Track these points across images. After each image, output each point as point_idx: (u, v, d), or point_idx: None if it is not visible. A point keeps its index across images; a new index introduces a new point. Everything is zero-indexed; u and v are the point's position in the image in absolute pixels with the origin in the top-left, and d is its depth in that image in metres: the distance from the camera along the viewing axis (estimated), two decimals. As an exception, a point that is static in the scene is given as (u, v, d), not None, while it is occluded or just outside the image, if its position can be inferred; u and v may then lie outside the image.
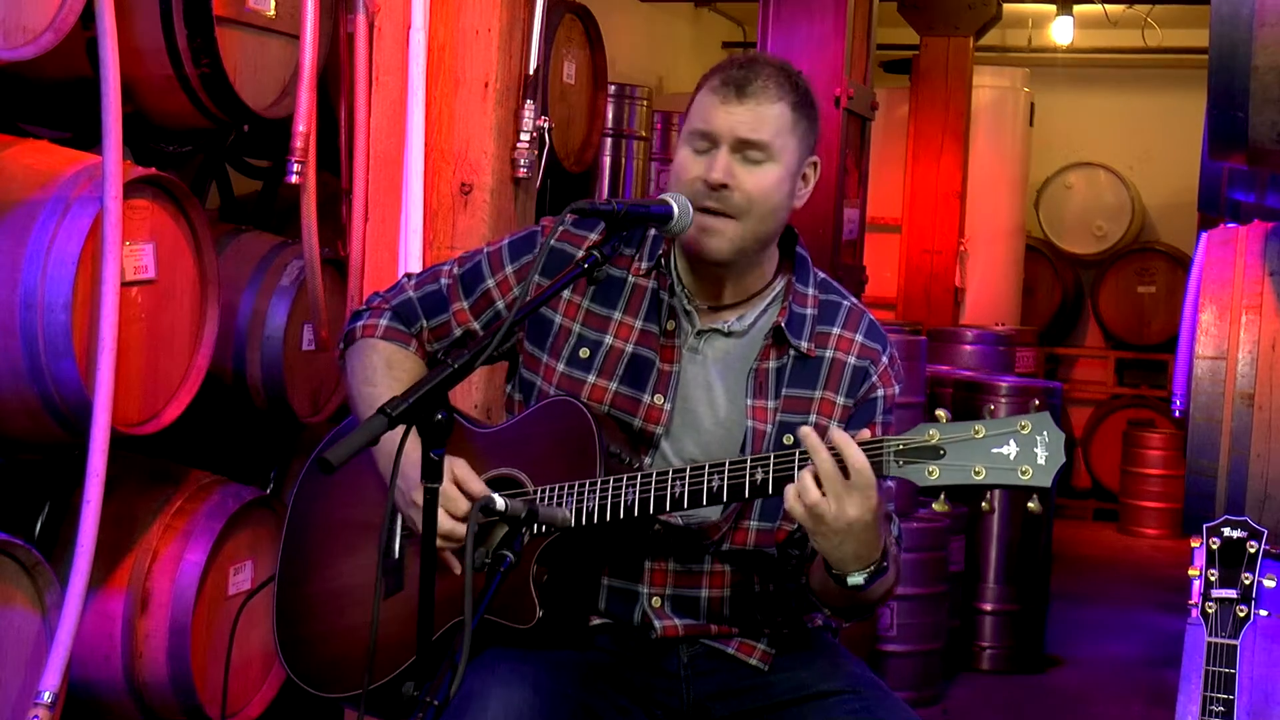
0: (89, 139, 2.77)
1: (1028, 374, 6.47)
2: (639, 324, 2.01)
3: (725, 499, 1.82)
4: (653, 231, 2.03)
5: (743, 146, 1.91)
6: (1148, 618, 5.68)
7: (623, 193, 4.63)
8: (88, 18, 2.45)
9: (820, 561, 1.83)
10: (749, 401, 1.97)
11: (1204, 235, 3.04)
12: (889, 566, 1.81)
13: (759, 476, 1.78)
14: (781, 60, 2.00)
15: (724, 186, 1.90)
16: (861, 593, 1.79)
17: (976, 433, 1.69)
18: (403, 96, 2.75)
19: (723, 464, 1.81)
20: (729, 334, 2.00)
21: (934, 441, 1.70)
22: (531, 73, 2.82)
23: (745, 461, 1.80)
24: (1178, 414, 3.00)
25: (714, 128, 1.92)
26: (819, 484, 1.70)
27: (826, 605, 1.93)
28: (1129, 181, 8.38)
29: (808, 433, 1.73)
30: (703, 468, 1.82)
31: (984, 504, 1.78)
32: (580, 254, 2.02)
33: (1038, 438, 1.67)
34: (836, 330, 2.02)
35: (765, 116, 1.91)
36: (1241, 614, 2.11)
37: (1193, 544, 2.17)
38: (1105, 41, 8.12)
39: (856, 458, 1.70)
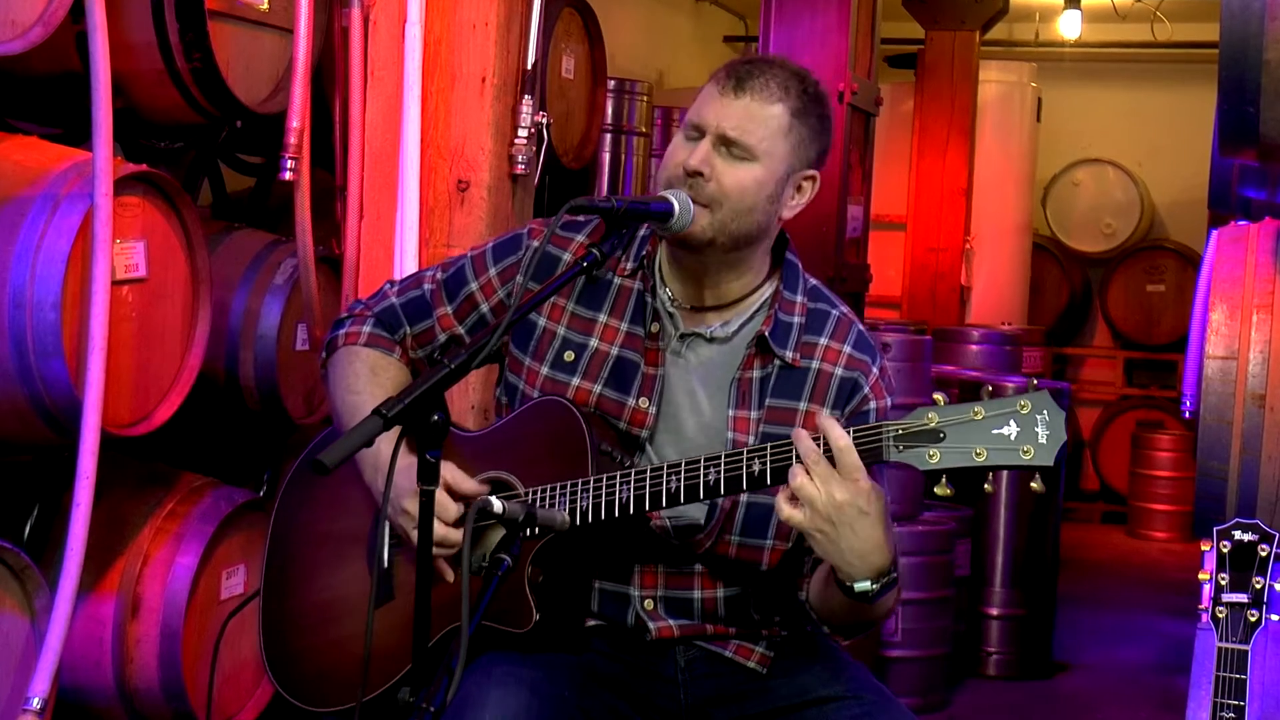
0: (79, 135, 2.76)
1: (1035, 374, 6.41)
2: (624, 326, 1.99)
3: (723, 492, 1.79)
4: (641, 231, 2.01)
5: (726, 141, 1.89)
6: (1157, 622, 5.64)
7: (622, 189, 4.61)
8: (77, 11, 2.43)
9: (823, 574, 1.81)
10: (731, 412, 1.94)
11: (1214, 233, 3.03)
12: (897, 578, 1.78)
13: (756, 467, 1.76)
14: (798, 67, 1.97)
15: (699, 174, 1.88)
16: (869, 602, 1.75)
17: (976, 414, 1.68)
18: (398, 92, 2.73)
19: (719, 456, 1.78)
20: (712, 339, 1.97)
21: (933, 425, 1.69)
22: (529, 67, 2.80)
23: (742, 454, 1.77)
24: (1188, 415, 2.99)
25: (703, 118, 1.91)
26: (806, 470, 1.69)
27: (826, 622, 1.90)
28: (1138, 178, 8.33)
29: (797, 431, 1.73)
30: (698, 461, 1.79)
31: (986, 485, 1.76)
32: (568, 256, 2.01)
33: (1038, 416, 1.66)
34: (823, 341, 1.99)
35: (756, 116, 1.89)
36: (1253, 619, 2.08)
37: (1203, 547, 2.15)
38: (1114, 36, 8.07)
39: (840, 437, 1.69)
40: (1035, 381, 1.72)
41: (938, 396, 1.71)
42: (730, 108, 1.89)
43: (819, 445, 1.70)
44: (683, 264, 1.97)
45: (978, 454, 1.67)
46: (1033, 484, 1.69)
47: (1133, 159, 8.34)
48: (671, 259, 1.99)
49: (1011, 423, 1.66)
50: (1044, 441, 1.65)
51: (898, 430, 1.70)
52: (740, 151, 1.89)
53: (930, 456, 1.68)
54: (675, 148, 1.93)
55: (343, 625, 1.99)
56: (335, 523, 2.05)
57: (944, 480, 1.70)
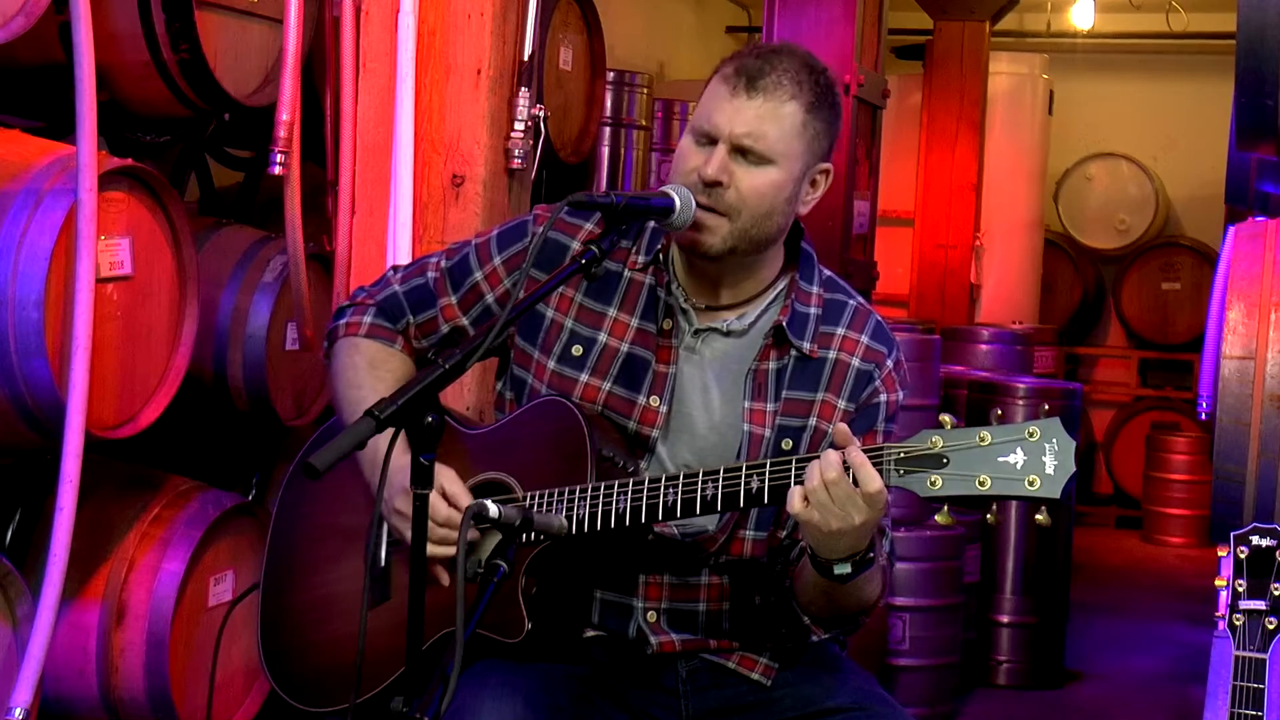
0: (62, 128, 2.72)
1: (1047, 375, 6.39)
2: (635, 321, 1.97)
3: (720, 508, 1.78)
4: (651, 224, 1.98)
5: (742, 149, 1.86)
6: (1172, 630, 5.61)
7: (621, 184, 4.60)
8: (60, 1, 2.40)
9: (804, 561, 1.80)
10: (746, 404, 1.93)
11: (1231, 229, 3.02)
12: (875, 558, 1.77)
13: (754, 485, 1.75)
14: (806, 54, 1.92)
15: (718, 184, 1.85)
16: (846, 583, 1.75)
17: (982, 440, 1.65)
18: (391, 84, 2.71)
19: (717, 471, 1.77)
20: (728, 333, 1.96)
21: (937, 449, 1.66)
22: (526, 59, 2.78)
23: (740, 469, 1.76)
24: (1204, 416, 2.97)
25: (715, 124, 1.87)
26: (827, 489, 1.67)
27: (808, 611, 1.88)
28: (1153, 173, 8.28)
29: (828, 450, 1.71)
30: (696, 475, 1.78)
31: (988, 516, 1.73)
32: (576, 244, 1.99)
33: (1046, 445, 1.63)
34: (841, 330, 1.97)
35: (770, 118, 1.85)
36: (1271, 626, 2.07)
37: (1219, 553, 2.13)
38: (1127, 26, 8.03)
39: (865, 465, 1.68)
40: (1046, 406, 1.71)
41: (944, 418, 1.69)
42: (743, 111, 1.85)
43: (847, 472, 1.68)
44: (699, 268, 1.95)
45: (981, 482, 1.64)
46: (1038, 516, 1.66)
47: (1147, 153, 8.30)
48: (686, 261, 1.96)
49: (1018, 450, 1.64)
50: (1051, 472, 1.62)
51: (899, 454, 1.68)
52: (756, 157, 1.85)
53: (931, 483, 1.66)
54: (687, 153, 1.89)
55: (341, 623, 1.97)
56: (337, 518, 2.04)
57: (945, 509, 1.68)
